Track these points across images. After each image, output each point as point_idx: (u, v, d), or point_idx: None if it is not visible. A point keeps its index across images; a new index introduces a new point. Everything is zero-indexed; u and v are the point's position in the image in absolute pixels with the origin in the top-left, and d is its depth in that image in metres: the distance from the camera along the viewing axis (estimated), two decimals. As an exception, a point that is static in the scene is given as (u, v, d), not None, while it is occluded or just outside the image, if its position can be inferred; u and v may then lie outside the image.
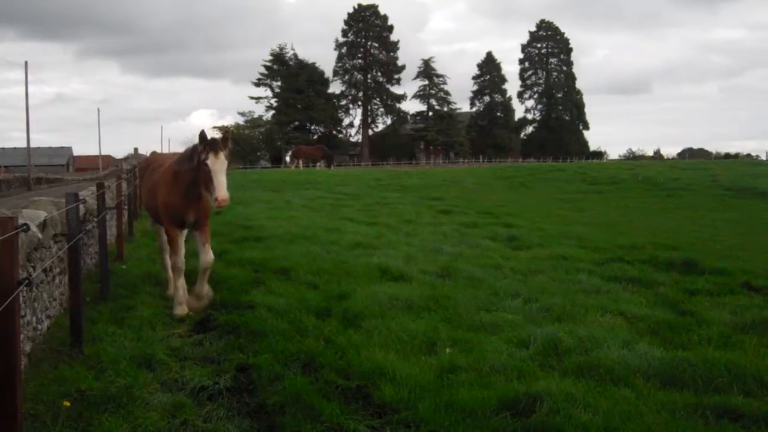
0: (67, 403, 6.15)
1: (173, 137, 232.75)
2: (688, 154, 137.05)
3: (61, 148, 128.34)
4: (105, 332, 8.55)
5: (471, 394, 6.52)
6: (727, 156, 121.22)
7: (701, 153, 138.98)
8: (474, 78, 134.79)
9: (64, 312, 9.42)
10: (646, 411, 6.26)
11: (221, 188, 8.98)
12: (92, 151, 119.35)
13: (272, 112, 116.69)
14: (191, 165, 9.48)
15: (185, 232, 10.66)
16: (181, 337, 8.69)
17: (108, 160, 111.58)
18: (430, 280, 12.25)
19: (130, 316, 9.47)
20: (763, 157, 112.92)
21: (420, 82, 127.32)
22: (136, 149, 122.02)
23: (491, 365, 7.40)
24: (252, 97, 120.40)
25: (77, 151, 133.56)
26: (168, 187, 10.07)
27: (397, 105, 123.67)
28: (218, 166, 9.12)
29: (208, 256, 10.12)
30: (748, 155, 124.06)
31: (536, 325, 9.11)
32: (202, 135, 9.35)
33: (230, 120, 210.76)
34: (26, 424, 5.53)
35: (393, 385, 6.77)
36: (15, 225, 4.58)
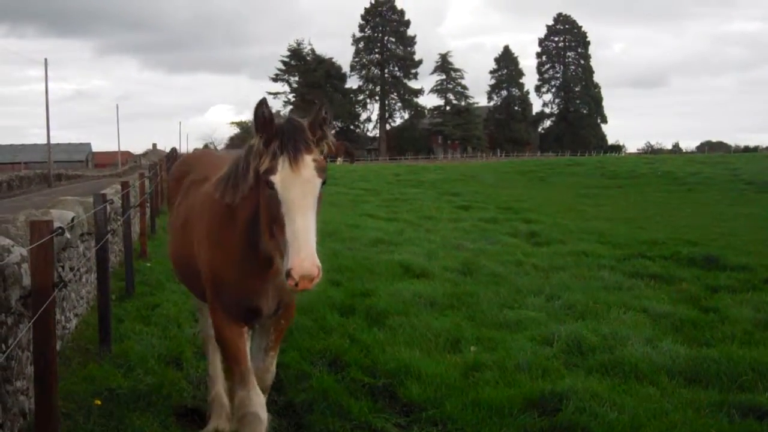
0: (98, 402, 6.25)
1: (191, 133, 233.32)
2: (707, 147, 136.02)
3: (81, 144, 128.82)
4: (132, 330, 8.66)
5: (497, 393, 6.57)
6: (747, 149, 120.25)
7: (720, 146, 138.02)
8: (491, 72, 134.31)
9: (91, 310, 9.54)
10: (671, 409, 6.30)
11: (302, 247, 3.90)
12: (111, 147, 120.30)
13: (290, 107, 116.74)
14: (242, 190, 4.47)
15: (250, 333, 5.25)
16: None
17: (127, 155, 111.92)
18: (453, 277, 12.30)
19: (156, 314, 9.57)
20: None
21: (437, 77, 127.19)
22: (154, 145, 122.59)
23: (516, 363, 7.45)
24: (270, 93, 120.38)
25: (96, 147, 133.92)
26: (218, 233, 4.85)
27: (415, 99, 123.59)
28: (296, 190, 4.02)
29: (268, 371, 5.30)
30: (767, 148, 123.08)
31: (559, 323, 9.14)
32: (261, 111, 4.20)
33: (248, 115, 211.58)
34: (60, 422, 5.62)
35: (419, 383, 6.83)
36: (51, 229, 4.66)
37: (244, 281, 4.69)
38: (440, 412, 6.26)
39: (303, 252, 3.88)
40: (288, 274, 3.88)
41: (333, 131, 4.19)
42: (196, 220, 5.24)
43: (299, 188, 4.03)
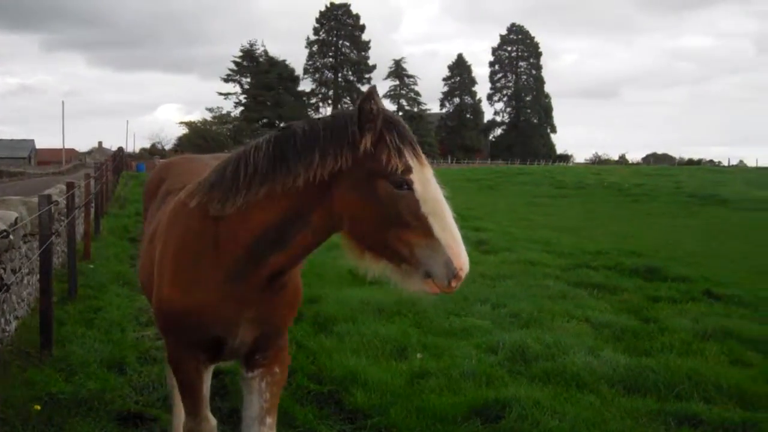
0: (38, 407, 6.14)
1: (139, 132, 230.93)
2: (653, 159, 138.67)
3: (23, 140, 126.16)
4: (74, 334, 8.52)
5: (441, 400, 6.63)
6: (690, 162, 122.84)
7: (665, 158, 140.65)
8: (444, 79, 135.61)
9: (32, 312, 9.37)
10: (610, 417, 6.42)
11: (462, 246, 3.53)
12: (56, 144, 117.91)
13: (241, 108, 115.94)
14: (254, 195, 3.67)
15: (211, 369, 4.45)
16: (152, 339, 8.67)
17: (71, 153, 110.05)
18: (400, 283, 12.33)
19: (99, 317, 9.45)
20: (726, 164, 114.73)
21: (391, 83, 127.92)
22: (100, 143, 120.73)
23: (461, 371, 7.51)
24: (221, 93, 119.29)
25: (40, 144, 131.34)
26: (190, 251, 3.89)
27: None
28: (434, 186, 3.58)
29: None
30: (711, 161, 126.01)
31: (505, 331, 9.25)
32: (369, 106, 3.47)
33: (198, 115, 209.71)
34: (-2, 427, 5.54)
35: (365, 390, 6.85)
36: (-7, 231, 4.60)
37: (219, 307, 3.83)
38: (385, 419, 6.29)
39: (464, 253, 3.50)
40: (454, 276, 3.45)
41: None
42: (160, 236, 4.22)
43: (435, 183, 3.59)
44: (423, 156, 3.57)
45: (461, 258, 3.44)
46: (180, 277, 3.88)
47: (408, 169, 3.47)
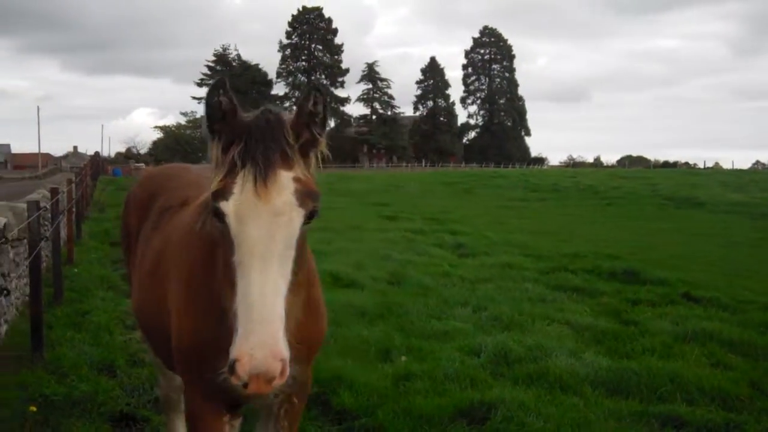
0: (33, 408, 6.24)
1: (114, 136, 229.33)
2: (628, 161, 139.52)
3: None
4: (63, 337, 8.61)
5: (427, 402, 6.74)
6: (666, 164, 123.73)
7: (640, 161, 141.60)
8: (418, 83, 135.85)
9: (20, 316, 9.43)
10: (594, 419, 6.55)
11: (257, 326, 2.43)
12: (31, 148, 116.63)
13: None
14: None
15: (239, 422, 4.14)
16: (139, 342, 8.71)
17: (47, 158, 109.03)
18: (382, 287, 12.46)
19: (86, 321, 9.50)
20: (701, 166, 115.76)
21: (364, 86, 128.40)
22: (75, 147, 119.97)
23: (445, 373, 7.63)
24: (194, 97, 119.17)
25: (15, 149, 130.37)
26: (200, 279, 3.23)
27: (341, 108, 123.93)
28: (258, 228, 2.57)
29: None
30: (686, 164, 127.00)
31: (486, 334, 9.37)
32: (215, 99, 2.70)
33: (172, 119, 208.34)
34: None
35: (351, 392, 6.94)
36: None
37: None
38: (373, 420, 6.39)
39: (257, 334, 2.42)
40: (231, 368, 2.44)
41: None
42: (172, 263, 3.58)
43: (264, 225, 2.57)
44: (276, 186, 2.61)
45: (245, 346, 2.42)
46: (195, 301, 3.28)
47: (222, 194, 2.61)
